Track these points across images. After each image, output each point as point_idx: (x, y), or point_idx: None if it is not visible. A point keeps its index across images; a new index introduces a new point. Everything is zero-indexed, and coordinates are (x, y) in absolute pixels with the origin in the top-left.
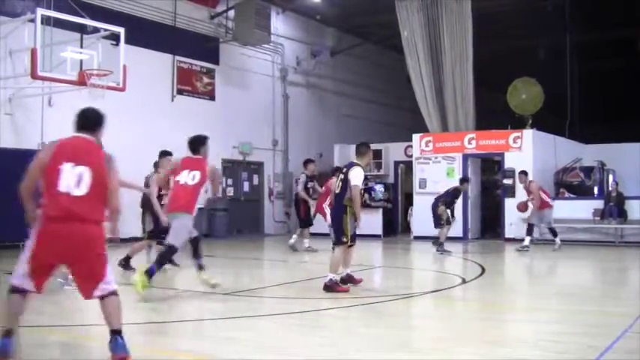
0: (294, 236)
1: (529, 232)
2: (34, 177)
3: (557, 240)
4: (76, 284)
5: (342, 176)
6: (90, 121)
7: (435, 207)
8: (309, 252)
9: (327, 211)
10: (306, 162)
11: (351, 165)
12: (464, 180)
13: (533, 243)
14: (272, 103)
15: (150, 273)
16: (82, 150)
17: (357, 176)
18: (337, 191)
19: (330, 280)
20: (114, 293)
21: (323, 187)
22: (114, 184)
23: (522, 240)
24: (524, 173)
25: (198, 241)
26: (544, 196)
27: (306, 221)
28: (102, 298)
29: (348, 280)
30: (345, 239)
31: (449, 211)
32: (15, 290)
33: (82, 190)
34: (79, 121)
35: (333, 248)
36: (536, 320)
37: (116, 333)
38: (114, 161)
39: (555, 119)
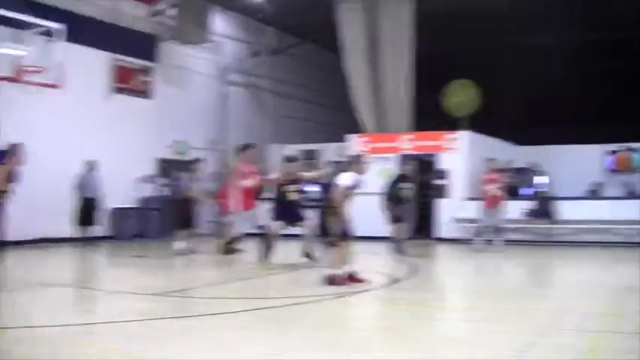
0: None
1: (482, 232)
2: None
3: (500, 241)
4: None
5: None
6: None
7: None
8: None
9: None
10: (194, 162)
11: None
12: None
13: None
14: (210, 102)
15: None
16: None
17: (345, 178)
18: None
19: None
20: None
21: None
22: None
23: (470, 240)
24: (493, 160)
25: None
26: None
27: (186, 222)
28: None
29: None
30: (334, 238)
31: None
32: None
33: None
34: None
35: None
36: (466, 319)
37: None
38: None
39: (491, 121)
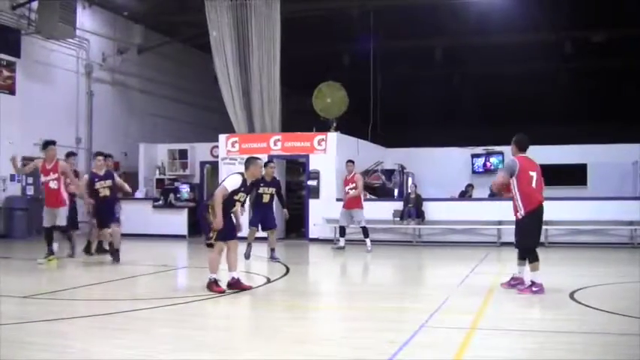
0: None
1: (342, 233)
2: None
3: (368, 241)
4: None
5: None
6: None
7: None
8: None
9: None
10: (70, 155)
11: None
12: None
13: (334, 243)
14: (76, 100)
15: None
16: None
17: (228, 180)
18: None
19: (208, 279)
20: None
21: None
22: None
23: (334, 240)
24: (352, 162)
25: None
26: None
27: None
28: None
29: (235, 284)
30: (210, 239)
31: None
32: None
33: None
34: None
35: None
36: (339, 318)
37: None
38: None
39: (359, 123)
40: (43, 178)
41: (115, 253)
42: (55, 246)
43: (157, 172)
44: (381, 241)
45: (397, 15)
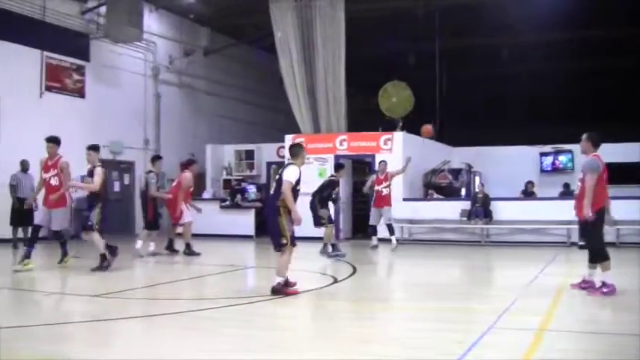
0: (140, 241)
1: (374, 232)
2: None
3: (394, 239)
4: None
5: (277, 176)
6: None
7: (313, 205)
8: (154, 256)
9: (184, 207)
10: (156, 159)
11: (287, 164)
12: (339, 166)
13: (401, 243)
14: (144, 102)
15: None
16: None
17: (290, 173)
18: (272, 192)
19: (278, 283)
20: None
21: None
22: None
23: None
24: (384, 162)
25: None
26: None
27: (153, 224)
28: None
29: (282, 289)
30: (285, 241)
31: (327, 209)
32: None
33: None
34: None
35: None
36: (405, 318)
37: None
38: None
39: (425, 122)
40: (43, 175)
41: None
42: (150, 245)
43: (224, 172)
44: (448, 241)
45: (462, 13)
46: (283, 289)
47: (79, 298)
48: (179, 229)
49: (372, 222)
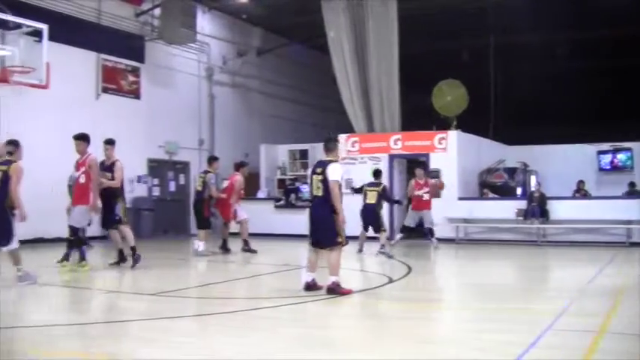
0: (196, 241)
1: (402, 230)
2: None
3: (435, 239)
4: None
5: (320, 177)
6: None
7: (375, 213)
8: (211, 255)
9: (237, 207)
10: (213, 159)
11: (326, 163)
12: (378, 173)
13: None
14: (198, 103)
15: None
16: None
17: (334, 171)
18: (320, 193)
19: (333, 282)
20: None
21: (227, 183)
22: None
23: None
24: (423, 168)
25: None
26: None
27: (208, 223)
28: None
29: (313, 286)
30: (340, 239)
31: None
32: None
33: None
34: None
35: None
36: (462, 318)
37: None
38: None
39: (479, 121)
40: (74, 173)
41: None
42: (202, 244)
43: (278, 172)
44: (503, 241)
45: (516, 10)
46: (338, 289)
47: (137, 296)
48: (238, 228)
49: (406, 223)
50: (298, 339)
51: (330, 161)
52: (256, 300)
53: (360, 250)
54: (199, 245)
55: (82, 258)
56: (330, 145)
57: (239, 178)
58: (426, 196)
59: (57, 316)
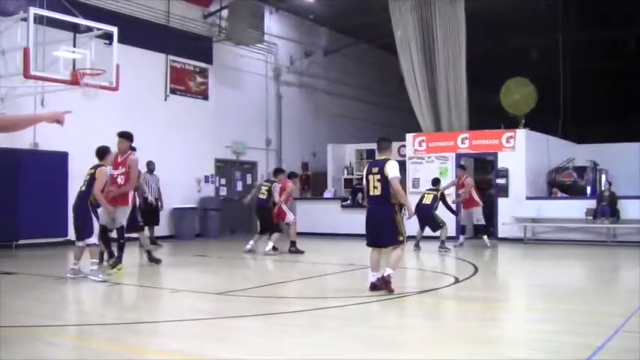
0: (271, 242)
1: (462, 231)
2: None
3: (485, 237)
4: None
5: (377, 176)
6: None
7: (430, 213)
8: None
9: (285, 208)
10: (279, 171)
11: (382, 162)
12: (437, 181)
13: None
14: (265, 103)
15: None
16: None
17: (393, 169)
18: (378, 193)
19: (389, 275)
20: None
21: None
22: None
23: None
24: (463, 168)
25: None
26: (475, 194)
27: (278, 227)
28: None
29: (379, 285)
30: (401, 238)
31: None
32: None
33: None
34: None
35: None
36: (528, 319)
37: None
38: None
39: (548, 119)
40: (112, 171)
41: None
42: (253, 242)
43: (345, 172)
44: (572, 241)
45: (585, 6)
46: (388, 283)
47: (203, 295)
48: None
49: (463, 222)
50: (364, 339)
51: (386, 159)
52: (322, 300)
53: (417, 246)
54: (268, 245)
55: (113, 256)
56: (384, 145)
57: (291, 185)
58: (463, 195)
59: (126, 314)
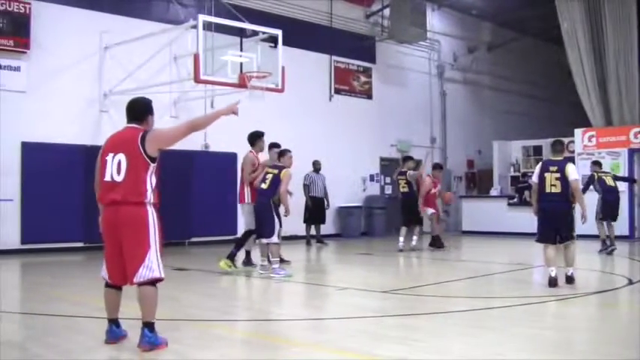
0: (415, 237)
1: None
2: (96, 172)
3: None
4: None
5: (556, 174)
6: (136, 111)
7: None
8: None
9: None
10: (407, 159)
11: (561, 162)
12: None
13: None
14: (429, 100)
15: None
16: (121, 140)
17: (574, 171)
18: (557, 190)
19: (572, 273)
20: (151, 283)
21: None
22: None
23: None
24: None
25: None
26: None
27: (420, 219)
28: (139, 285)
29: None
30: (574, 234)
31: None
32: (105, 284)
33: (121, 177)
34: (127, 112)
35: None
36: None
37: (144, 325)
38: (153, 132)
39: None
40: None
41: None
42: (415, 240)
43: (512, 169)
44: None
45: None
46: (574, 279)
47: (368, 293)
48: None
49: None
50: (530, 339)
51: (564, 160)
52: (489, 299)
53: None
54: (413, 239)
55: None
56: (559, 147)
57: (429, 182)
58: None
59: (293, 310)
